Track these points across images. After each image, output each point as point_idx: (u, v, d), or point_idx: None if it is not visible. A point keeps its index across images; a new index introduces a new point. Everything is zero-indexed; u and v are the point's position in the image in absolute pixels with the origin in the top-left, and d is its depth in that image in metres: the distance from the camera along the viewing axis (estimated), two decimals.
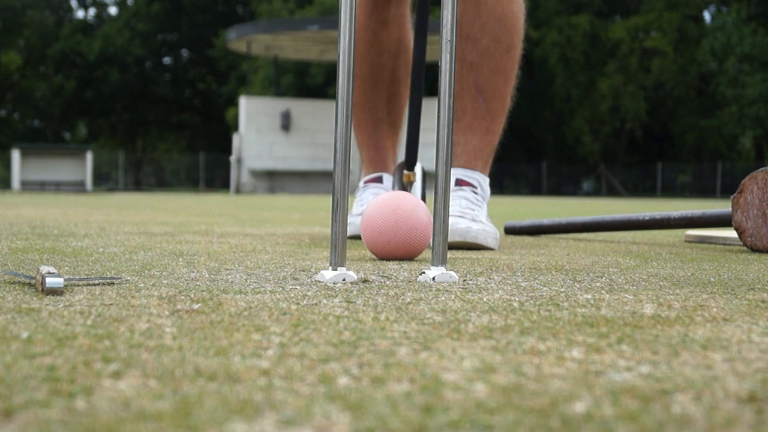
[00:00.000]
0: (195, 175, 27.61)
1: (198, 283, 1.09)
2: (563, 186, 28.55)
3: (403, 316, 0.83)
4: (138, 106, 33.71)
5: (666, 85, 28.74)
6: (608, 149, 29.98)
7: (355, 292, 1.02)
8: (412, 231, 1.52)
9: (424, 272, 1.19)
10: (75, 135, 36.18)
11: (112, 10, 37.31)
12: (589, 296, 1.02)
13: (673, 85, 28.46)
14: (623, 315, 0.86)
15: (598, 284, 1.17)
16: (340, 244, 1.14)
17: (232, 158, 19.90)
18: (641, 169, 29.62)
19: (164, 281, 1.10)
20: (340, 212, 1.14)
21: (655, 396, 0.53)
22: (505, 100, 2.06)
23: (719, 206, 2.12)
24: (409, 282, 1.16)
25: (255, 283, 1.10)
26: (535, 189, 27.60)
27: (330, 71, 27.42)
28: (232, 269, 1.28)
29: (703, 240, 2.24)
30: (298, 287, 1.06)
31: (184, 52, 36.06)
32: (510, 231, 2.48)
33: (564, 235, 2.39)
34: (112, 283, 1.07)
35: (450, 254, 1.63)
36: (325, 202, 7.94)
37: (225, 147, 25.86)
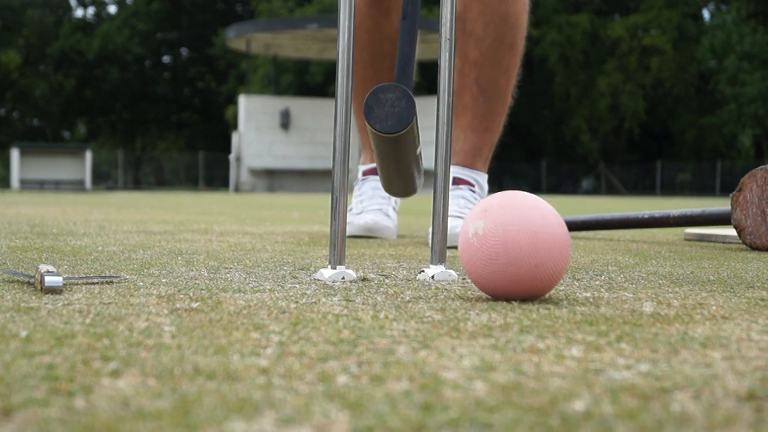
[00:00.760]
0: (194, 174, 27.62)
1: (197, 281, 1.09)
2: (563, 184, 28.56)
3: (402, 315, 0.83)
4: (137, 104, 33.72)
5: (665, 83, 28.75)
6: (607, 148, 30.00)
7: (354, 291, 1.02)
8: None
9: (423, 271, 1.19)
10: (74, 134, 36.18)
11: (112, 9, 37.34)
12: (589, 294, 1.02)
13: (673, 84, 28.47)
14: (622, 313, 0.86)
15: (597, 282, 1.17)
16: (339, 242, 1.14)
17: (232, 157, 19.90)
18: (640, 167, 29.62)
19: (163, 280, 1.10)
20: (339, 210, 1.14)
21: (654, 394, 0.53)
22: (506, 99, 2.06)
23: (719, 205, 2.13)
24: (408, 281, 1.15)
25: (254, 281, 1.10)
26: (534, 187, 27.61)
27: (329, 70, 27.43)
28: (231, 268, 1.28)
29: (702, 238, 2.24)
30: (298, 286, 1.06)
31: (184, 51, 36.07)
32: None
33: None
34: (111, 282, 1.07)
35: (449, 253, 1.63)
36: (324, 200, 7.94)
37: (224, 146, 25.86)
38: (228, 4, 35.53)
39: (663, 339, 0.72)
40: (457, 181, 2.00)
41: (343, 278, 1.13)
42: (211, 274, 1.18)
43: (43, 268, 0.99)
